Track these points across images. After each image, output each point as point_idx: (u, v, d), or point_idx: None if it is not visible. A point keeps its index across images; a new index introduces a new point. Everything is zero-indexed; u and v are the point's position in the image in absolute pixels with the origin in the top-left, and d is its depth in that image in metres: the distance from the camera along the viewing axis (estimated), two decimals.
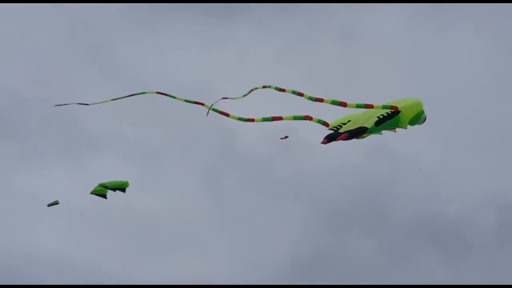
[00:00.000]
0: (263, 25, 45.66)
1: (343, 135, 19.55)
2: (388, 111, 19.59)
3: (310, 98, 19.47)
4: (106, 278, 36.48)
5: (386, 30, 43.95)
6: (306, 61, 44.03)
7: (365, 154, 40.71)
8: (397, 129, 20.24)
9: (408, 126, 20.18)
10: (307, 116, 19.91)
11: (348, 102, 19.22)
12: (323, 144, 19.60)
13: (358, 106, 19.25)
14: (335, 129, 20.22)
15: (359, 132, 19.63)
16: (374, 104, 19.36)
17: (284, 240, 40.94)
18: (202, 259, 39.78)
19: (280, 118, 19.59)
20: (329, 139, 19.62)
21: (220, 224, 41.21)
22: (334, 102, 19.28)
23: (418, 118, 20.07)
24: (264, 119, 19.57)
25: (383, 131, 20.17)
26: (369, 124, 19.64)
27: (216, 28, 45.09)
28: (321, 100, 19.35)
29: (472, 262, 39.35)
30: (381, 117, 19.63)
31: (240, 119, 19.80)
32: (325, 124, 20.45)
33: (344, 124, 20.23)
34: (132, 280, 36.60)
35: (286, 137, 21.09)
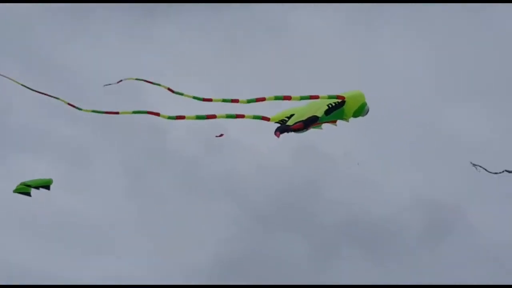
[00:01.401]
0: (190, 26, 45.16)
1: (297, 124, 19.08)
2: (335, 101, 19.32)
3: (250, 101, 18.97)
4: (26, 276, 35.65)
5: (316, 28, 44.03)
6: (236, 61, 43.74)
7: (294, 154, 40.71)
8: (337, 122, 20.10)
9: (351, 119, 19.96)
10: (239, 114, 19.33)
11: (292, 95, 18.83)
12: (276, 137, 18.94)
13: (303, 98, 18.80)
14: (280, 122, 19.80)
15: (311, 122, 19.17)
16: (320, 95, 18.95)
17: (211, 240, 40.63)
18: (127, 259, 39.16)
19: (214, 116, 19.01)
20: (281, 131, 19.05)
21: (146, 223, 40.71)
22: (277, 98, 18.75)
23: (361, 109, 19.83)
24: (198, 117, 18.94)
25: (323, 126, 19.96)
26: (319, 113, 19.24)
27: (142, 28, 44.43)
28: (262, 99, 18.79)
29: (399, 262, 39.74)
30: (330, 106, 19.30)
31: (169, 117, 19.13)
32: (265, 118, 19.84)
33: (288, 117, 19.81)
34: (52, 279, 35.76)
35: (222, 135, 20.48)
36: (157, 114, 18.56)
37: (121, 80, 20.06)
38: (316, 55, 43.19)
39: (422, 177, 38.74)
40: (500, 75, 42.74)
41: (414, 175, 39.66)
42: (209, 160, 41.10)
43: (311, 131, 20.14)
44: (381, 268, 39.67)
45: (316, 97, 18.89)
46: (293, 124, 19.09)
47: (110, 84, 20.17)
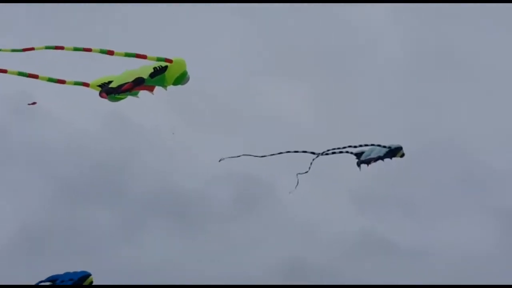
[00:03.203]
0: None
1: (127, 84, 19.01)
2: (160, 64, 19.31)
3: (76, 49, 18.58)
4: None
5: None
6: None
7: (103, 123, 40.17)
8: (155, 90, 20.06)
9: (170, 87, 19.95)
10: (61, 80, 18.88)
11: (115, 51, 18.67)
12: (102, 98, 19.16)
13: (127, 55, 18.81)
14: (101, 87, 19.50)
15: (139, 83, 19.17)
16: (148, 55, 19.02)
17: (15, 212, 39.35)
18: None
19: (36, 76, 18.38)
20: (107, 92, 19.10)
21: None
22: (102, 51, 18.63)
23: (182, 77, 19.86)
24: (20, 73, 18.23)
25: (139, 94, 19.92)
26: (145, 75, 19.23)
27: None
28: (89, 50, 18.59)
29: (207, 233, 40.32)
30: (155, 69, 19.32)
31: None
32: (85, 84, 19.52)
33: (107, 83, 19.59)
34: None
35: (34, 103, 20.24)
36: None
37: None
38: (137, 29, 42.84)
39: (234, 149, 39.34)
40: (323, 55, 44.42)
41: (226, 147, 40.25)
42: (16, 128, 39.85)
43: (124, 101, 20.04)
44: (191, 239, 40.13)
45: (144, 57, 18.99)
46: (120, 86, 19.10)
47: None
